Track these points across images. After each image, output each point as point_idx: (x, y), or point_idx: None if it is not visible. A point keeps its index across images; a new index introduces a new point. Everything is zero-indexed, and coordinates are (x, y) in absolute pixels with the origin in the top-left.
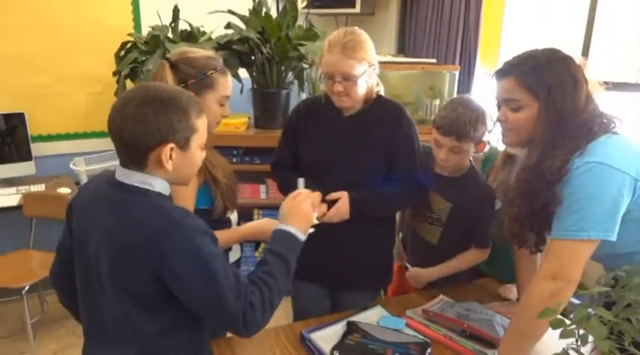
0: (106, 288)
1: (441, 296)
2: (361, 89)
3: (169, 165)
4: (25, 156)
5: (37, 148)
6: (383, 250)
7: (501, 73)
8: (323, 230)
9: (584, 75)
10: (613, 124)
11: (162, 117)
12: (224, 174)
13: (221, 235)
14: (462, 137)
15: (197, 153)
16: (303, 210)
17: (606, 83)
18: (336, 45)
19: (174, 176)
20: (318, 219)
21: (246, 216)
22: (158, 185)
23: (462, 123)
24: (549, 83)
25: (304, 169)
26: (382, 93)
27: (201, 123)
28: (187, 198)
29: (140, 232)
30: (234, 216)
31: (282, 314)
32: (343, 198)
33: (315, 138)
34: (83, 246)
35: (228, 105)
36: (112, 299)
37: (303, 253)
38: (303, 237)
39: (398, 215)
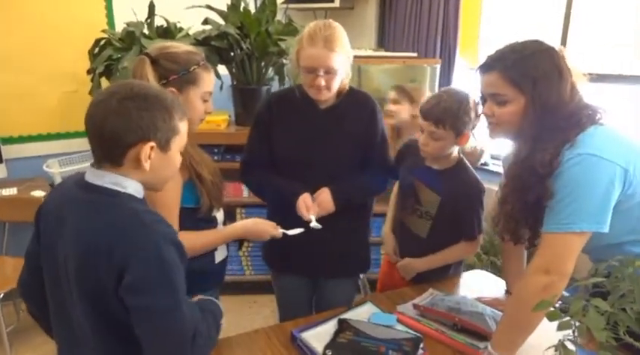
0: (73, 293)
1: (431, 290)
2: (339, 80)
3: (147, 165)
4: None
5: (7, 150)
6: (359, 237)
7: (485, 68)
8: (299, 223)
9: (568, 65)
10: (599, 115)
11: (146, 113)
12: (209, 171)
13: (209, 236)
14: (439, 123)
15: (176, 156)
16: None
17: (590, 74)
18: (318, 39)
19: (150, 178)
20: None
21: (229, 214)
22: (131, 187)
23: (441, 109)
24: (534, 76)
25: (280, 165)
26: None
27: (183, 126)
28: (172, 197)
29: (108, 235)
30: (220, 215)
31: (270, 313)
32: (324, 192)
33: (292, 132)
34: (52, 250)
35: (211, 101)
36: (78, 305)
37: (283, 246)
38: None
39: (390, 209)
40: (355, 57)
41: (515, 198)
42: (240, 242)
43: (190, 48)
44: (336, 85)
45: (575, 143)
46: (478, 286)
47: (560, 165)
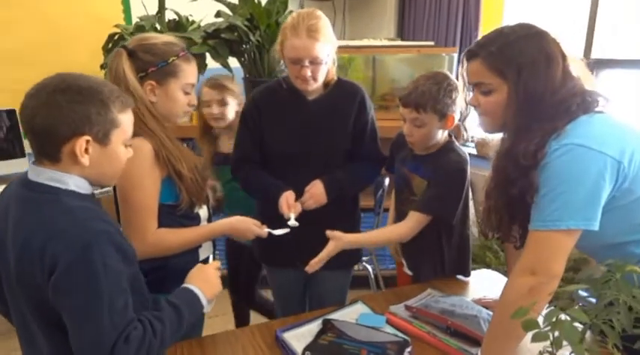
0: (17, 291)
1: (429, 290)
2: (325, 70)
3: (85, 160)
4: (19, 153)
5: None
6: (348, 229)
7: (469, 55)
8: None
9: (562, 51)
10: (596, 103)
11: (78, 106)
12: (189, 167)
13: (189, 233)
14: (419, 107)
15: (119, 149)
16: (211, 278)
17: (613, 60)
18: (301, 29)
19: (92, 173)
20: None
21: None
22: (72, 182)
23: (419, 93)
24: (519, 63)
25: (271, 159)
26: (334, 73)
27: (124, 119)
28: (149, 194)
29: (40, 233)
30: (203, 212)
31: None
32: (316, 184)
33: (281, 127)
34: (3, 250)
35: (194, 94)
36: (22, 302)
37: (272, 240)
38: (205, 301)
39: (392, 207)
40: (370, 47)
41: (498, 192)
42: None
43: (170, 38)
44: (322, 75)
45: (563, 132)
46: (483, 286)
47: (545, 156)
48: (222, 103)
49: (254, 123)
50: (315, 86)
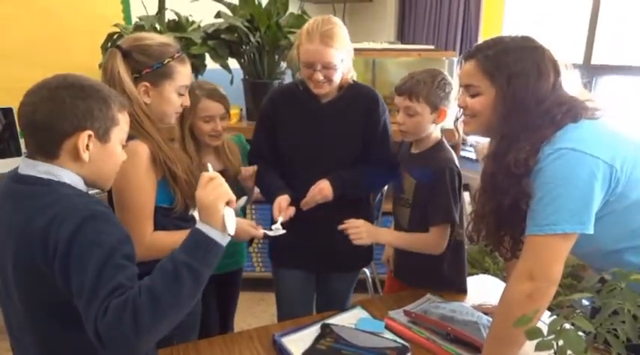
0: (12, 291)
1: (428, 295)
2: (340, 75)
3: (86, 156)
4: (15, 152)
5: None
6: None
7: (466, 55)
8: (301, 216)
9: (557, 69)
10: (585, 111)
11: (81, 102)
12: (183, 169)
13: (183, 235)
14: (412, 96)
15: (117, 148)
16: (209, 199)
17: (613, 66)
18: (315, 34)
19: (90, 172)
20: (283, 224)
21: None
22: (66, 177)
23: (414, 82)
24: (510, 71)
25: (285, 160)
26: (355, 78)
27: (122, 118)
28: (145, 195)
29: (41, 218)
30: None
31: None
32: (323, 180)
33: (295, 127)
34: None
35: (187, 95)
36: (18, 303)
37: (290, 241)
38: (206, 226)
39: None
40: (369, 50)
41: (485, 198)
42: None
43: (165, 39)
44: (336, 79)
45: (553, 139)
46: (483, 292)
47: (538, 162)
48: (224, 117)
49: (270, 122)
50: (328, 89)
